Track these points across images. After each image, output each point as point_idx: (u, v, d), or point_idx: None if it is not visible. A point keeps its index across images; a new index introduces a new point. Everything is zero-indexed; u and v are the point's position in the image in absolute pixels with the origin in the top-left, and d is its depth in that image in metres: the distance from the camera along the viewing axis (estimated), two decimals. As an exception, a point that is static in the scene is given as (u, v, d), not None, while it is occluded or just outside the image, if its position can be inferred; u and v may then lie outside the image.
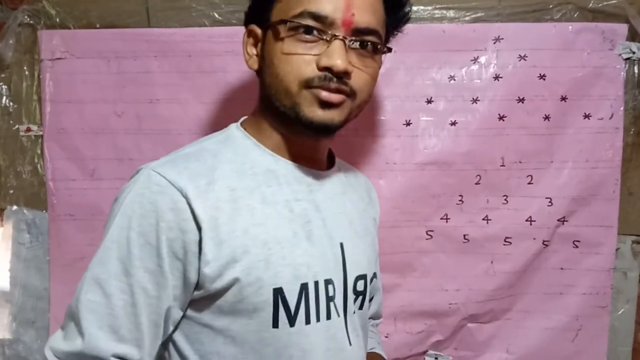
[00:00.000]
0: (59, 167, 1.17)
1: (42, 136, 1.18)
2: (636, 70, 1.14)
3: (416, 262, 1.18)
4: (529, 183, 1.16)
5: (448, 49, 1.14)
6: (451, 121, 1.15)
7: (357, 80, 0.71)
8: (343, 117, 0.72)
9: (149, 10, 1.15)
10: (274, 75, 0.70)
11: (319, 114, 0.69)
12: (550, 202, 1.16)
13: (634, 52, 1.12)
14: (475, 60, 1.15)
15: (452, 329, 1.20)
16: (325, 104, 0.69)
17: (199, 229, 0.65)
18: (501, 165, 1.16)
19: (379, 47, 0.73)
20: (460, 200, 1.17)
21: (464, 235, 1.18)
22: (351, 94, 0.71)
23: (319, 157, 0.80)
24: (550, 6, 1.14)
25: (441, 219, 1.17)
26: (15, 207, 1.20)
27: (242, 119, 0.80)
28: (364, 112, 1.17)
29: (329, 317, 0.72)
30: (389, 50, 0.78)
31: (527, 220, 1.16)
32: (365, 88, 0.73)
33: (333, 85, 0.68)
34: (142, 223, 0.64)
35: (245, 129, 0.77)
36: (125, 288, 0.65)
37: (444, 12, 1.15)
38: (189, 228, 0.65)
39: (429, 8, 1.15)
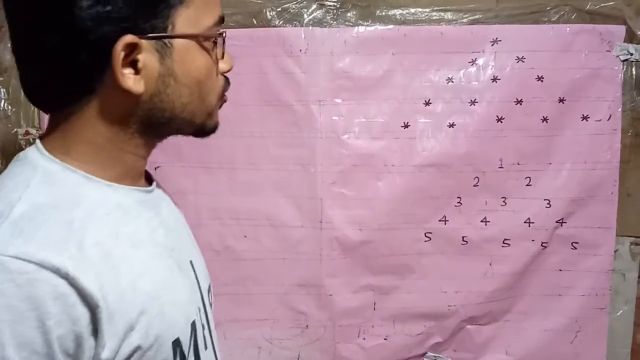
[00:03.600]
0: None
1: (40, 139, 1.18)
2: (634, 72, 1.15)
3: (415, 264, 1.18)
4: (527, 185, 1.16)
5: (446, 51, 1.15)
6: (449, 123, 1.15)
7: None
8: None
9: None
10: (193, 95, 0.58)
11: (217, 118, 0.65)
12: (548, 203, 1.16)
13: (631, 54, 1.12)
14: (473, 62, 1.15)
15: (451, 331, 1.20)
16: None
17: (91, 309, 0.49)
18: (499, 167, 1.16)
19: None
20: (458, 202, 1.17)
21: (463, 237, 1.18)
22: None
23: (142, 168, 0.66)
24: (548, 8, 1.14)
25: (440, 220, 1.17)
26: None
27: (38, 145, 0.58)
28: (362, 114, 1.19)
29: (206, 346, 0.66)
30: None
31: (525, 222, 1.16)
32: None
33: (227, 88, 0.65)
34: (20, 331, 0.46)
35: (60, 159, 0.56)
36: None
37: (442, 14, 1.16)
38: (79, 314, 0.49)
39: (427, 10, 1.16)
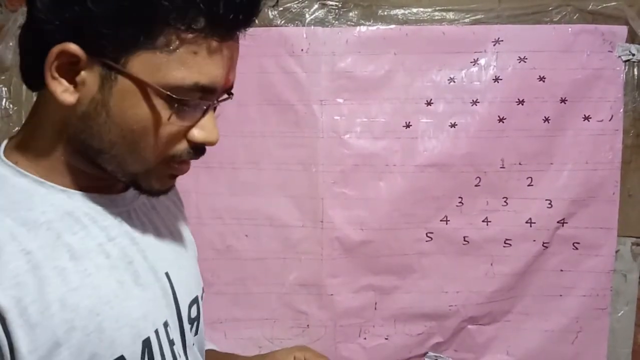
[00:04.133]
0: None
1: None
2: (635, 72, 1.14)
3: (416, 264, 1.18)
4: (528, 185, 1.16)
5: (448, 51, 1.14)
6: (451, 123, 1.15)
7: None
8: None
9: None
10: (123, 139, 0.54)
11: (165, 185, 0.60)
12: (550, 204, 1.16)
13: (633, 54, 1.12)
14: (475, 62, 1.15)
15: (452, 331, 1.20)
16: (176, 176, 0.60)
17: (2, 320, 0.47)
18: (501, 167, 1.16)
19: None
20: (460, 202, 1.17)
21: (464, 237, 1.17)
22: None
23: (116, 182, 0.63)
24: (550, 8, 1.14)
25: (441, 220, 1.17)
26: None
27: (2, 144, 0.57)
28: (363, 114, 1.19)
29: None
30: None
31: (526, 222, 1.16)
32: None
33: (196, 157, 0.58)
34: None
35: (13, 161, 0.55)
36: None
37: (444, 14, 1.15)
38: None
39: (429, 10, 1.16)
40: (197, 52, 0.52)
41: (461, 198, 1.17)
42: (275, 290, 1.20)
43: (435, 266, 1.18)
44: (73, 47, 0.49)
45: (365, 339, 1.20)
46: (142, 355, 0.57)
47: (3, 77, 1.18)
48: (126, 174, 0.57)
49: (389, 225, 1.16)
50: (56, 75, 0.51)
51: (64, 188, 0.56)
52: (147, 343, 0.58)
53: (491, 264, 1.18)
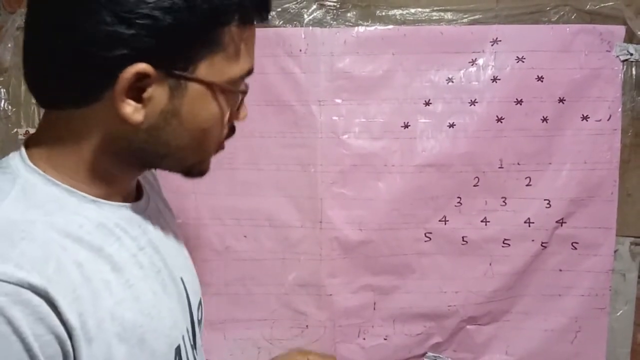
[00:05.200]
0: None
1: (40, 139, 1.18)
2: (634, 72, 1.14)
3: (415, 264, 1.18)
4: (527, 185, 1.16)
5: (446, 51, 1.15)
6: (449, 123, 1.15)
7: None
8: None
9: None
10: (193, 141, 0.56)
11: (209, 166, 0.64)
12: (548, 203, 1.16)
13: (631, 54, 1.12)
14: (473, 62, 1.15)
15: (451, 331, 1.20)
16: None
17: (69, 333, 0.47)
18: (499, 167, 1.16)
19: None
20: (458, 202, 1.17)
21: (463, 237, 1.18)
22: None
23: (133, 184, 0.65)
24: (548, 8, 1.14)
25: (440, 221, 1.17)
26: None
27: (22, 153, 0.55)
28: (362, 114, 1.19)
29: None
30: None
31: (525, 222, 1.16)
32: None
33: (232, 135, 0.63)
34: (6, 357, 0.43)
35: (43, 169, 0.53)
36: None
37: (442, 14, 1.16)
38: (63, 337, 0.46)
39: (427, 10, 1.16)
40: (247, 43, 0.55)
41: (460, 198, 1.17)
42: (274, 290, 1.20)
43: (434, 266, 1.18)
44: (144, 67, 0.49)
45: (364, 339, 1.21)
46: None
47: (1, 79, 1.18)
48: (183, 167, 0.60)
49: (388, 226, 1.16)
50: (124, 97, 0.50)
51: (94, 198, 0.55)
52: (178, 350, 0.59)
53: (490, 264, 1.18)
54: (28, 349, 0.44)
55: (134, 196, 0.64)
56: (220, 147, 0.62)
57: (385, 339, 1.20)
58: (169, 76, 0.51)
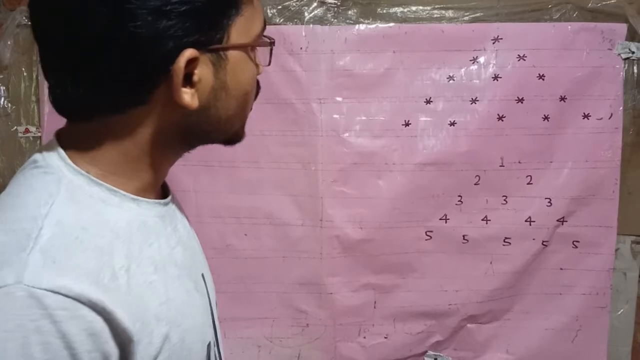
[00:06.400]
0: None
1: (40, 137, 1.18)
2: (635, 70, 1.14)
3: (416, 263, 1.18)
4: (528, 183, 1.16)
5: (447, 49, 1.14)
6: (450, 121, 1.15)
7: None
8: None
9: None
10: (239, 107, 0.57)
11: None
12: (549, 202, 1.16)
13: (633, 52, 1.12)
14: (474, 60, 1.14)
15: (451, 330, 1.20)
16: None
17: (122, 345, 0.47)
18: (500, 166, 1.16)
19: None
20: (459, 201, 1.17)
21: (464, 236, 1.17)
22: None
23: (163, 180, 0.64)
24: (550, 6, 1.13)
25: (440, 219, 1.17)
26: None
27: (61, 153, 0.52)
28: (363, 112, 1.18)
29: None
30: None
31: (526, 221, 1.16)
32: None
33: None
34: None
35: (86, 169, 0.52)
36: None
37: (443, 12, 1.15)
38: (111, 351, 0.46)
39: (428, 8, 1.15)
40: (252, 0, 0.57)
41: (461, 196, 1.17)
42: (274, 289, 1.20)
43: (434, 265, 1.18)
44: (190, 52, 0.49)
45: (364, 337, 1.20)
46: (206, 359, 0.59)
47: (1, 76, 1.18)
48: (228, 136, 0.60)
49: (389, 224, 1.16)
50: (180, 87, 0.49)
51: (134, 196, 0.54)
52: (209, 347, 0.60)
53: (491, 263, 1.18)
54: None
55: (161, 192, 0.63)
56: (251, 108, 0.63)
57: (385, 338, 1.20)
58: (209, 52, 0.52)
